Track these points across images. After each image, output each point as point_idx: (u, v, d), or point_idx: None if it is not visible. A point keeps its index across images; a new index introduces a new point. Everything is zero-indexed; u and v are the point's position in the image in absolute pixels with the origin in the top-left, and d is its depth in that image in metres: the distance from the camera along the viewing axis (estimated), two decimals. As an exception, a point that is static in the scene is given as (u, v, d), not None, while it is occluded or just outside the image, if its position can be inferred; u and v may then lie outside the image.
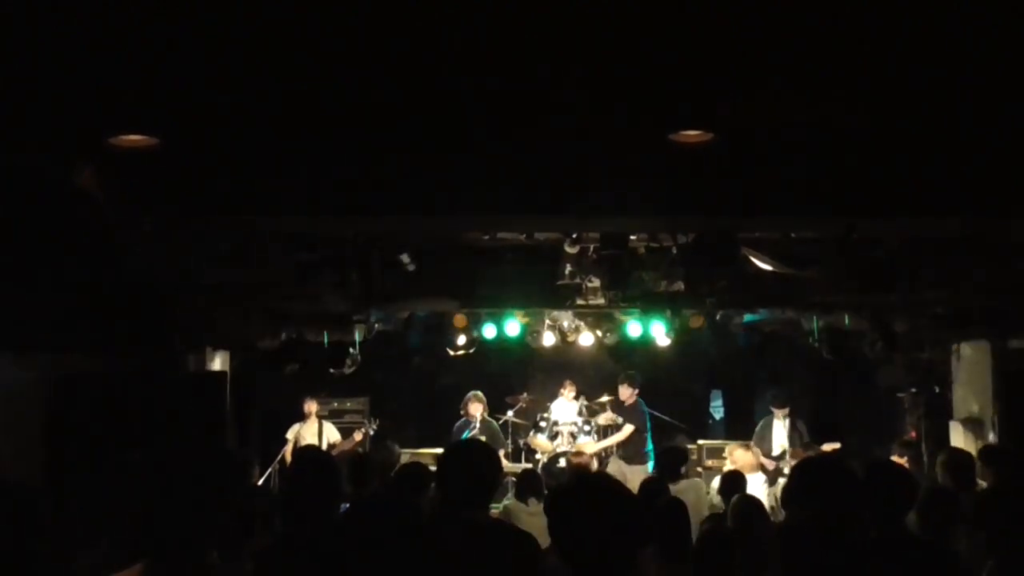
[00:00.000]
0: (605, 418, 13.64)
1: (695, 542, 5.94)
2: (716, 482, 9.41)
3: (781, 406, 12.74)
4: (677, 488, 8.73)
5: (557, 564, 3.54)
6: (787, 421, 12.64)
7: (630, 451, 13.17)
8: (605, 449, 13.41)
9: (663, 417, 14.17)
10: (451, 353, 14.14)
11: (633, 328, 13.44)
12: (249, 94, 5.05)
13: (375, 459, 11.81)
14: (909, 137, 5.76)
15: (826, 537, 4.06)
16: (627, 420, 13.32)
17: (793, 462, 11.38)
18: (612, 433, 13.52)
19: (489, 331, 13.66)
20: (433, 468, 9.21)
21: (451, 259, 10.44)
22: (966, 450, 8.95)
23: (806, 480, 5.14)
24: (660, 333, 13.54)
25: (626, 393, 13.48)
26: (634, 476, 11.56)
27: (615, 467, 12.57)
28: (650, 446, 13.30)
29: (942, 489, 6.46)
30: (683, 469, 9.61)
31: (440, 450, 10.76)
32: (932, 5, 4.13)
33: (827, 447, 12.06)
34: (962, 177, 6.26)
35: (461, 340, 13.88)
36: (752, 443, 12.21)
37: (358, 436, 13.46)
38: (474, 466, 4.58)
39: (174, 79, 4.81)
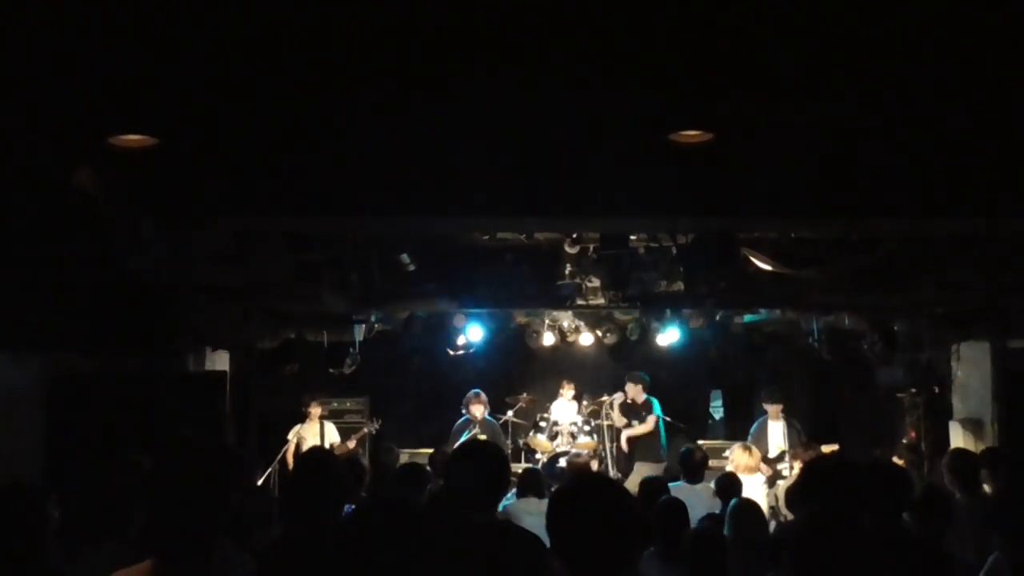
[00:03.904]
0: (613, 419, 13.63)
1: (688, 542, 5.95)
2: (712, 484, 9.40)
3: (774, 402, 12.70)
4: (695, 489, 8.75)
5: (558, 566, 3.54)
6: (783, 422, 12.61)
7: (648, 453, 13.15)
8: (618, 450, 13.42)
9: (665, 417, 14.18)
10: (450, 353, 14.14)
11: (632, 329, 13.44)
12: (248, 94, 5.05)
13: (375, 460, 11.85)
14: (909, 137, 5.76)
15: (835, 537, 4.06)
16: (641, 420, 13.33)
17: (796, 463, 11.38)
18: (613, 434, 13.52)
19: (489, 331, 13.66)
20: (430, 469, 9.25)
21: (451, 259, 10.46)
22: (971, 451, 8.95)
23: (816, 480, 5.16)
24: (659, 333, 13.53)
25: (635, 391, 13.46)
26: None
27: (640, 472, 12.45)
28: (664, 444, 13.28)
29: (937, 489, 6.47)
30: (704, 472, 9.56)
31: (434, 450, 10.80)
32: (932, 6, 4.13)
33: (825, 449, 12.04)
34: (962, 177, 6.26)
35: (460, 340, 13.88)
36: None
37: (352, 443, 13.44)
38: (484, 467, 4.57)
39: (174, 79, 4.81)
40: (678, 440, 13.79)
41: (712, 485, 8.99)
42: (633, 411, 13.49)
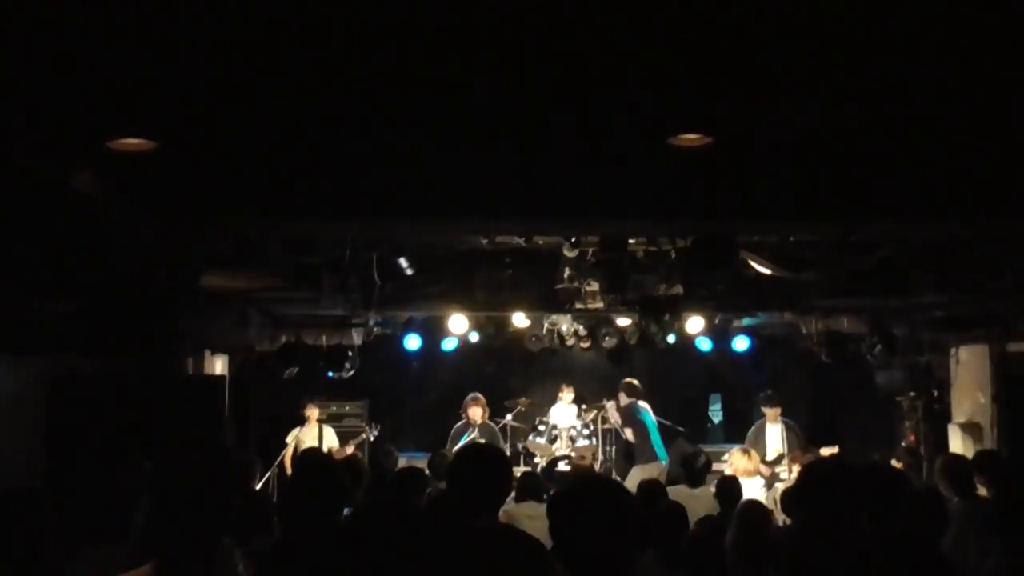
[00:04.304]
0: (604, 421, 13.68)
1: (688, 545, 5.94)
2: (711, 487, 9.41)
3: (772, 406, 12.71)
4: (694, 493, 8.74)
5: (560, 568, 3.54)
6: (781, 425, 12.61)
7: (641, 456, 13.18)
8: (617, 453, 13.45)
9: (662, 421, 14.16)
10: (450, 357, 14.13)
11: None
12: (248, 96, 5.05)
13: (374, 464, 11.83)
14: (908, 140, 5.77)
15: (832, 540, 4.06)
16: (625, 425, 13.38)
17: (795, 466, 11.39)
18: (612, 437, 13.57)
19: (488, 334, 13.67)
20: (430, 472, 9.24)
21: (450, 263, 10.45)
22: (964, 455, 8.94)
23: (814, 484, 5.15)
24: (659, 336, 13.52)
25: (621, 400, 13.51)
26: (657, 474, 11.75)
27: (636, 475, 12.47)
28: (655, 444, 13.27)
29: (935, 492, 6.47)
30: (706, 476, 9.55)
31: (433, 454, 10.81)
32: (932, 6, 4.14)
33: (825, 451, 12.03)
34: (962, 178, 6.27)
35: (460, 344, 13.87)
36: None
37: (350, 448, 13.45)
38: (487, 470, 4.56)
39: (173, 81, 4.81)
40: (678, 444, 13.81)
41: (712, 489, 8.98)
42: (622, 416, 13.54)
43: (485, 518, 4.43)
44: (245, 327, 10.91)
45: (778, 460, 12.17)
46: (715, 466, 13.08)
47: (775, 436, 12.55)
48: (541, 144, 5.78)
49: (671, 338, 13.54)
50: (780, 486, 11.05)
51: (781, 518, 9.17)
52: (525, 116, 5.33)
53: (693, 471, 9.23)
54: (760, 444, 12.46)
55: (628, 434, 13.37)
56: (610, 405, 13.77)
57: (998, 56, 4.53)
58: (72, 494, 6.97)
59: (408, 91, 4.98)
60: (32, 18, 4.15)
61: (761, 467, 11.79)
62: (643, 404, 13.57)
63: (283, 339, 11.92)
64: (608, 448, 13.98)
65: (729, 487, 8.58)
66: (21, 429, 7.64)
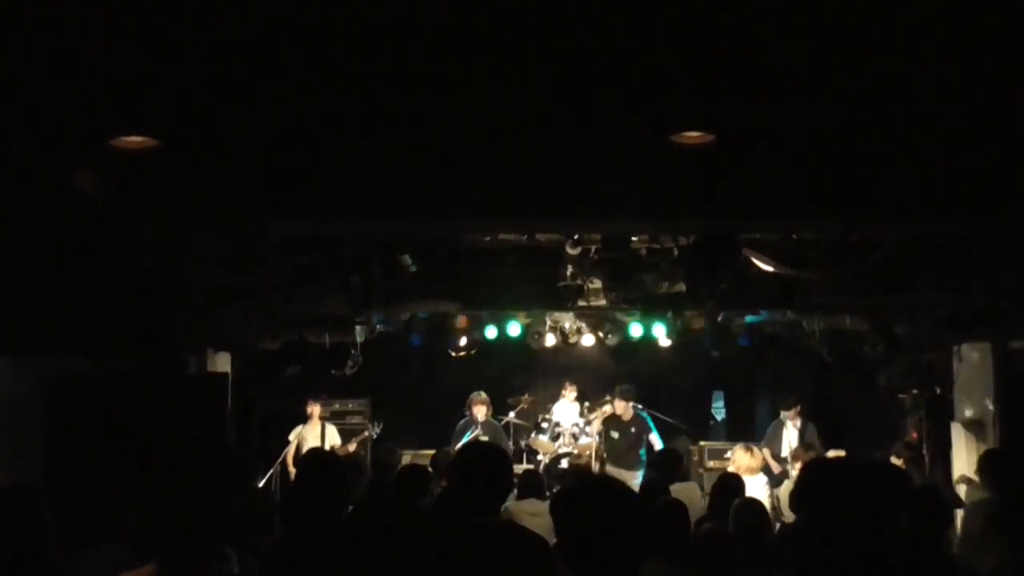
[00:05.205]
0: (597, 429, 13.64)
1: (695, 543, 5.93)
2: (693, 484, 9.49)
3: (788, 408, 12.74)
4: (673, 489, 8.73)
5: (564, 567, 3.54)
6: (798, 424, 12.64)
7: (626, 458, 13.15)
8: (598, 455, 13.38)
9: (664, 418, 14.16)
10: (452, 354, 14.14)
11: (634, 330, 13.41)
12: (249, 95, 5.05)
13: (376, 462, 11.85)
14: (908, 140, 5.76)
15: (836, 538, 4.06)
16: (639, 432, 13.30)
17: (796, 464, 11.40)
18: (605, 441, 13.53)
19: (490, 332, 13.65)
20: (433, 470, 9.25)
21: (452, 260, 10.45)
22: (1004, 451, 8.98)
23: (815, 483, 5.16)
24: (661, 334, 13.52)
25: (621, 408, 13.43)
26: (631, 481, 11.55)
27: (613, 473, 12.47)
28: (643, 452, 13.26)
29: (936, 489, 6.49)
30: (679, 471, 9.60)
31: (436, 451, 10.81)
32: (932, 6, 4.13)
33: (831, 454, 11.99)
34: (962, 177, 6.26)
35: (462, 341, 13.88)
36: (762, 444, 12.27)
37: (352, 446, 13.45)
38: (488, 468, 4.56)
39: (174, 80, 4.81)
40: (680, 442, 13.82)
41: (693, 485, 9.05)
42: (619, 425, 13.46)
43: (487, 516, 4.43)
44: (247, 325, 10.92)
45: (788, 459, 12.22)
46: (717, 463, 13.17)
47: (792, 435, 12.61)
48: (541, 144, 5.78)
49: (672, 335, 13.54)
50: (786, 484, 11.05)
51: (785, 516, 9.18)
52: (525, 116, 5.32)
53: (661, 469, 9.31)
54: (776, 441, 12.52)
55: (654, 439, 13.32)
56: (604, 413, 13.72)
57: (998, 56, 4.53)
58: (72, 494, 6.98)
59: (408, 91, 4.98)
60: (32, 18, 4.15)
61: (773, 464, 11.85)
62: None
63: (285, 337, 11.92)
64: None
65: (731, 484, 8.58)
66: (22, 428, 7.64)
